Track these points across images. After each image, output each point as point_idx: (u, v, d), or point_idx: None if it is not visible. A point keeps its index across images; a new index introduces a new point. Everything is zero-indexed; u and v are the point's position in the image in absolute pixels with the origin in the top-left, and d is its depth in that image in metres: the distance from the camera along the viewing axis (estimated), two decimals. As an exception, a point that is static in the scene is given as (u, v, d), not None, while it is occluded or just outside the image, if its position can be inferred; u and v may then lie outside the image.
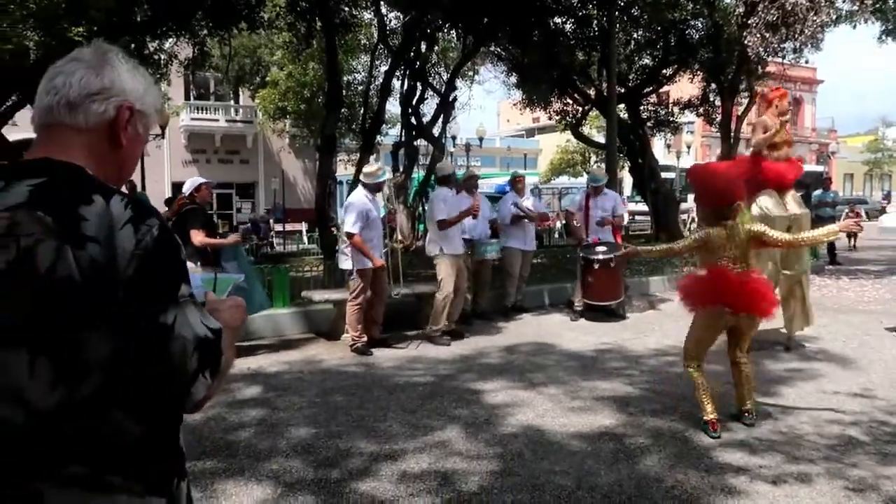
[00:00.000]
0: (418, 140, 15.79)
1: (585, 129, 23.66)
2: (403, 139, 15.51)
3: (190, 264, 5.97)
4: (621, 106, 17.25)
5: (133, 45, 11.13)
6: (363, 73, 22.62)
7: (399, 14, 15.25)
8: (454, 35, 16.45)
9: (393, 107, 26.83)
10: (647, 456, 3.88)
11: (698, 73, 17.71)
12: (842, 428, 4.30)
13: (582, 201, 8.47)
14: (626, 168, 21.40)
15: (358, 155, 15.40)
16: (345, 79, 20.28)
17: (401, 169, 15.50)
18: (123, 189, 1.30)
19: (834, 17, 13.81)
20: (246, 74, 24.61)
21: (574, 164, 37.05)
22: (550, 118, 20.30)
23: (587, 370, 5.84)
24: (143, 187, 17.22)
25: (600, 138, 23.87)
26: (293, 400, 5.00)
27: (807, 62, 18.10)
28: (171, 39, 13.18)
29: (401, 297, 6.97)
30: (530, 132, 52.61)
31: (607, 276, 7.94)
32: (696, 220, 4.64)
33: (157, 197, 17.52)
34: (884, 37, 16.06)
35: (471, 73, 21.47)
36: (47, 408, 1.09)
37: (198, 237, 6.00)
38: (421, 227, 15.04)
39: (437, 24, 14.34)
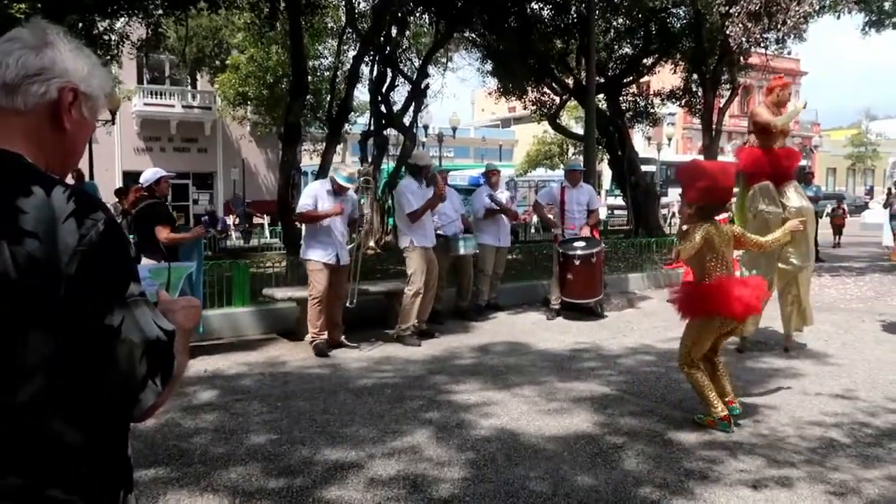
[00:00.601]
0: (388, 129, 15.73)
1: (563, 120, 23.82)
2: (372, 128, 15.44)
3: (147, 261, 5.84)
4: (600, 96, 17.38)
5: (81, 25, 10.89)
6: (330, 58, 22.46)
7: (368, -5, 15.16)
8: (426, 19, 16.41)
9: (361, 94, 26.63)
10: (625, 459, 3.92)
11: (680, 63, 17.93)
12: (823, 430, 4.39)
13: (558, 194, 8.51)
14: (605, 161, 21.61)
15: (324, 144, 15.29)
16: (310, 64, 20.10)
17: (369, 160, 15.42)
18: (70, 179, 1.27)
19: (817, 7, 14.06)
20: (204, 57, 24.25)
21: (551, 155, 37.30)
22: (527, 108, 20.39)
23: (563, 371, 5.88)
24: (92, 177, 16.90)
25: (578, 129, 24.06)
26: (253, 404, 4.96)
27: (790, 53, 18.44)
28: (122, 19, 12.93)
29: (356, 304, 6.90)
30: (506, 122, 52.81)
31: (587, 273, 8.00)
32: (680, 218, 4.68)
33: (107, 187, 17.16)
34: (867, 28, 16.41)
35: (444, 60, 21.43)
36: (-20, 414, 1.06)
37: (163, 233, 6.00)
38: (391, 221, 15.00)
39: (408, 8, 14.29)
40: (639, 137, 29.26)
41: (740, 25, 13.61)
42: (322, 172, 12.05)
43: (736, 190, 6.37)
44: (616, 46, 18.35)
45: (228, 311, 7.18)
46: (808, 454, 4.00)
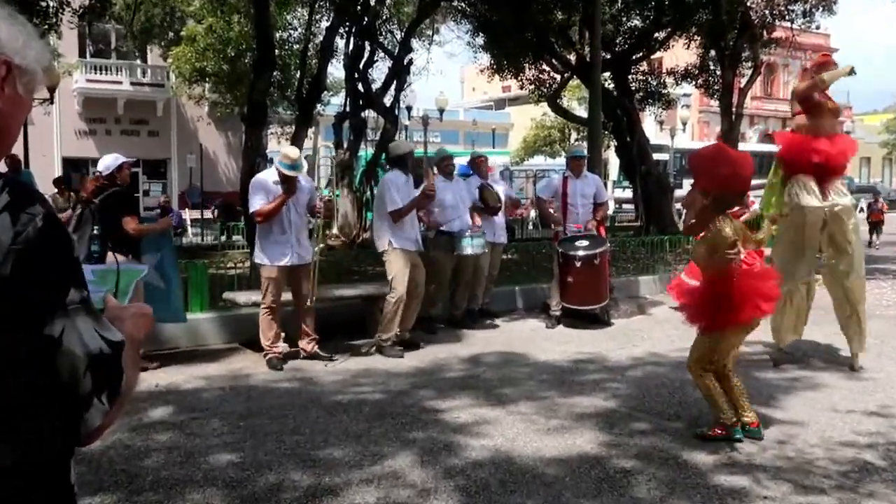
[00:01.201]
0: (366, 111, 15.72)
1: (564, 101, 23.93)
2: (348, 110, 15.42)
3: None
4: (606, 75, 17.46)
5: (14, -11, 10.75)
6: (300, 30, 22.38)
7: (344, -41, 15.11)
8: (410, -15, 16.40)
9: (336, 70, 26.56)
10: (635, 485, 3.94)
11: (695, 38, 18.03)
12: (856, 451, 4.43)
13: (559, 186, 8.52)
14: (612, 147, 21.70)
15: (293, 128, 15.27)
16: (277, 35, 20.03)
17: (345, 145, 15.42)
18: (2, 167, 1.25)
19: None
20: (156, 28, 24.06)
21: (551, 141, 37.45)
22: (523, 87, 20.44)
23: (565, 385, 5.90)
24: (27, 164, 16.72)
25: (582, 112, 24.17)
26: (212, 423, 4.93)
27: (818, 28, 18.62)
28: (62, -17, 12.82)
29: (330, 310, 6.90)
30: (500, 103, 52.85)
31: (590, 276, 8.02)
32: (686, 211, 4.72)
33: (45, 176, 16.99)
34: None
35: (429, 33, 21.44)
36: None
37: (131, 224, 6.12)
38: (369, 215, 15.00)
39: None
40: (650, 121, 29.41)
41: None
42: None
43: (774, 181, 6.39)
44: (624, 18, 18.42)
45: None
46: (839, 479, 4.03)
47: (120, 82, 28.96)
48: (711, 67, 18.77)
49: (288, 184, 6.40)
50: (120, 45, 29.24)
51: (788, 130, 6.43)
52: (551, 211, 8.50)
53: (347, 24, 14.97)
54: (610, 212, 18.83)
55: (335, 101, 23.91)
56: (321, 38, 15.30)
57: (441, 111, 31.90)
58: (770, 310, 4.60)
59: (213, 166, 30.61)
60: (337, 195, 15.80)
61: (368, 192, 15.69)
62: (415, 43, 17.90)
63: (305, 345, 6.73)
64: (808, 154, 6.13)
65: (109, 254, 5.77)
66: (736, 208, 4.81)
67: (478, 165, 8.85)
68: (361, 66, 15.39)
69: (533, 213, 22.89)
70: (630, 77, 18.77)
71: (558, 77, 19.37)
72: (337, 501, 3.73)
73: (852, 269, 6.30)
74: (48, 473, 1.18)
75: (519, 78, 19.12)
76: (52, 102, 18.85)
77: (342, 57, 16.41)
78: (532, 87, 19.66)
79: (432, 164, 7.84)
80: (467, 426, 4.87)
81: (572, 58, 17.81)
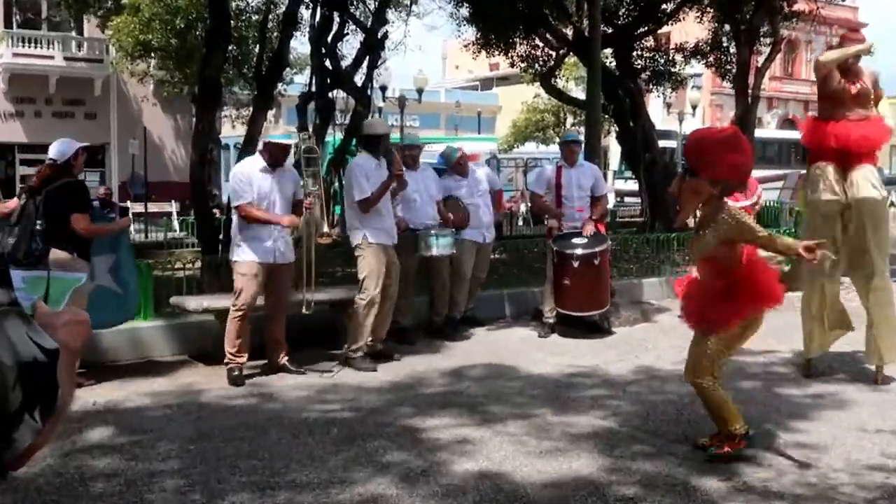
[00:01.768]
0: (335, 91, 15.68)
1: (560, 82, 23.96)
2: (314, 90, 15.37)
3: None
4: (607, 51, 17.52)
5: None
6: (259, -2, 22.30)
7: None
8: (384, -52, 16.37)
9: (301, 45, 26.42)
10: (638, 515, 3.96)
11: (707, 10, 18.14)
12: (885, 476, 4.48)
13: (552, 177, 8.54)
14: (613, 134, 21.80)
15: (251, 109, 15.19)
16: (233, 5, 19.93)
17: (310, 129, 15.36)
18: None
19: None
20: (93, -6, 23.91)
21: (545, 126, 37.55)
22: (513, 65, 20.46)
23: (560, 401, 5.92)
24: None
25: (579, 93, 24.23)
26: (158, 446, 4.92)
27: (845, 0, 18.81)
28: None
29: (300, 315, 6.87)
30: (486, 83, 52.95)
31: (588, 278, 8.05)
32: (683, 200, 4.72)
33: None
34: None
35: (407, 3, 21.42)
36: None
37: (82, 222, 6.06)
38: (337, 209, 14.95)
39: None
40: (656, 104, 29.62)
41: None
42: (249, 146, 11.96)
43: (803, 172, 6.47)
44: (627, -12, 18.51)
45: (126, 326, 7.09)
46: (866, 506, 4.08)
47: (52, 57, 28.75)
48: (725, 44, 18.87)
49: (276, 168, 6.59)
50: (52, 15, 28.94)
51: (810, 115, 6.48)
52: (553, 210, 8.47)
53: (313, -9, 14.96)
54: (610, 206, 18.97)
55: (299, 80, 23.79)
56: (283, 7, 15.25)
57: (420, 92, 31.90)
58: (780, 297, 4.65)
59: (159, 153, 30.45)
60: (302, 186, 15.75)
61: (337, 183, 15.66)
62: (390, 14, 17.84)
63: (276, 357, 6.72)
64: (824, 139, 6.18)
65: (54, 250, 5.77)
66: (746, 203, 4.95)
67: (457, 166, 8.58)
68: (329, 39, 15.33)
69: (523, 207, 23.01)
70: (634, 54, 18.83)
71: (553, 54, 19.40)
72: (301, 534, 3.73)
73: (875, 272, 6.32)
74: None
75: (508, 54, 19.11)
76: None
77: (307, 29, 16.35)
78: (523, 64, 19.67)
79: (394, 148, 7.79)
80: (449, 448, 4.88)
81: (569, 32, 17.85)
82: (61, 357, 1.20)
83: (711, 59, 19.28)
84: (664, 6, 18.09)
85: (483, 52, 19.43)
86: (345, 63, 15.83)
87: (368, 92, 15.78)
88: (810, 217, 6.25)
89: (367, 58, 15.54)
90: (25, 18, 29.15)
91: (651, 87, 20.45)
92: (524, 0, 16.25)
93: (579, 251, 8.05)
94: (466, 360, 7.22)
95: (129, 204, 23.12)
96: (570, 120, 34.67)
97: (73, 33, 29.46)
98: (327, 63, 15.30)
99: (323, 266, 10.66)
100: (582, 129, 18.05)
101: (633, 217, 23.47)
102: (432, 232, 7.81)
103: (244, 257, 6.50)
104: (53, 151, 6.27)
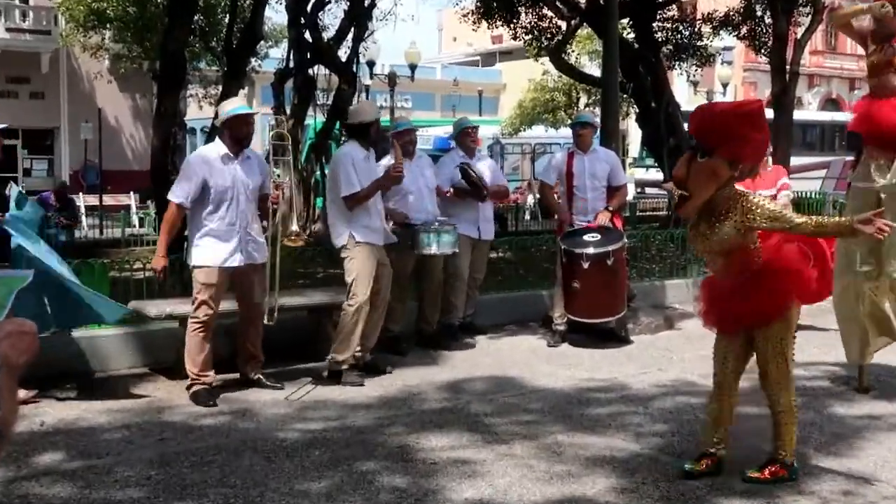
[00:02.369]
0: (316, 67, 15.69)
1: (571, 56, 23.97)
2: (292, 65, 15.39)
3: None
4: (625, 21, 17.53)
5: None
6: (229, -38, 22.31)
7: None
8: None
9: (276, 15, 26.38)
10: (660, 547, 3.99)
11: (739, -26, 18.16)
12: (940, 503, 4.51)
13: (563, 165, 8.54)
14: (633, 116, 21.81)
15: (219, 88, 15.21)
16: (200, -31, 19.95)
17: (287, 111, 15.37)
18: None
19: None
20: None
21: (555, 107, 37.40)
22: (519, 38, 20.46)
23: (572, 420, 5.93)
24: None
25: (594, 70, 24.24)
26: (116, 472, 4.91)
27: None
28: None
29: (276, 322, 6.85)
30: (489, 58, 52.92)
31: (600, 280, 8.02)
32: (697, 183, 4.66)
33: None
34: None
35: (398, -35, 21.47)
36: None
37: None
38: (318, 203, 14.97)
39: None
40: (681, 82, 29.59)
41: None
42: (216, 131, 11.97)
43: (850, 159, 6.47)
44: (648, -52, 18.52)
45: (78, 334, 7.09)
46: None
47: (-8, 28, 28.79)
48: (759, 13, 18.87)
49: (239, 153, 6.47)
50: (-8, -20, 29.04)
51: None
52: (559, 202, 8.48)
53: (291, -46, 14.97)
54: (629, 197, 18.97)
55: (275, 55, 23.82)
56: (257, -29, 15.24)
57: (413, 67, 31.86)
58: (813, 281, 4.81)
59: (116, 138, 30.45)
60: (277, 175, 15.72)
61: (318, 173, 15.65)
62: (379, -21, 17.88)
63: (249, 369, 6.73)
64: (866, 121, 6.24)
65: None
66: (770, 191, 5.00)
67: (463, 137, 8.68)
68: (309, 8, 15.37)
69: (530, 199, 23.02)
70: (655, 25, 18.84)
71: (563, 24, 19.41)
72: (279, 570, 3.75)
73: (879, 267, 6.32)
74: None
75: (512, 25, 19.13)
76: None
77: (284, -3, 16.38)
78: (529, 37, 19.68)
79: (390, 136, 7.74)
80: (447, 473, 4.88)
81: (581, 0, 17.88)
82: (1, 373, 1.20)
83: (744, 30, 19.29)
84: (690, -29, 18.13)
85: (484, 23, 19.43)
86: (327, 35, 15.88)
87: (354, 68, 15.82)
88: (855, 203, 6.25)
89: (353, 29, 15.57)
90: (-38, -16, 29.17)
91: (675, 62, 20.42)
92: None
93: (590, 250, 7.95)
94: (466, 373, 7.23)
95: (80, 196, 23.01)
96: (583, 100, 34.60)
97: (17, 2, 29.42)
98: (307, 35, 15.33)
99: (301, 266, 10.69)
100: (597, 111, 18.06)
101: (656, 210, 23.47)
102: (433, 227, 7.70)
103: (202, 261, 6.41)
104: None
